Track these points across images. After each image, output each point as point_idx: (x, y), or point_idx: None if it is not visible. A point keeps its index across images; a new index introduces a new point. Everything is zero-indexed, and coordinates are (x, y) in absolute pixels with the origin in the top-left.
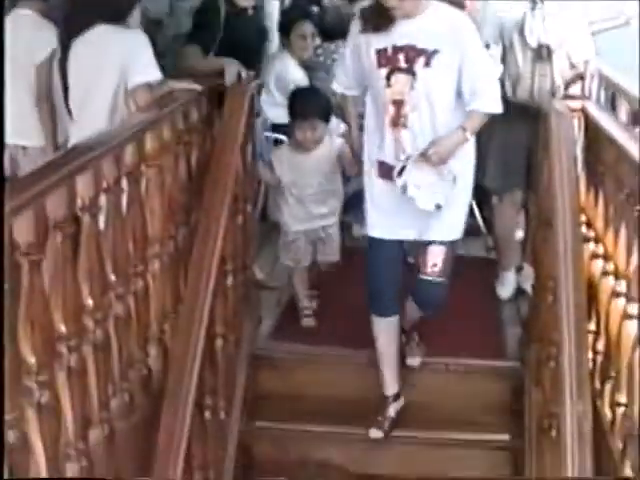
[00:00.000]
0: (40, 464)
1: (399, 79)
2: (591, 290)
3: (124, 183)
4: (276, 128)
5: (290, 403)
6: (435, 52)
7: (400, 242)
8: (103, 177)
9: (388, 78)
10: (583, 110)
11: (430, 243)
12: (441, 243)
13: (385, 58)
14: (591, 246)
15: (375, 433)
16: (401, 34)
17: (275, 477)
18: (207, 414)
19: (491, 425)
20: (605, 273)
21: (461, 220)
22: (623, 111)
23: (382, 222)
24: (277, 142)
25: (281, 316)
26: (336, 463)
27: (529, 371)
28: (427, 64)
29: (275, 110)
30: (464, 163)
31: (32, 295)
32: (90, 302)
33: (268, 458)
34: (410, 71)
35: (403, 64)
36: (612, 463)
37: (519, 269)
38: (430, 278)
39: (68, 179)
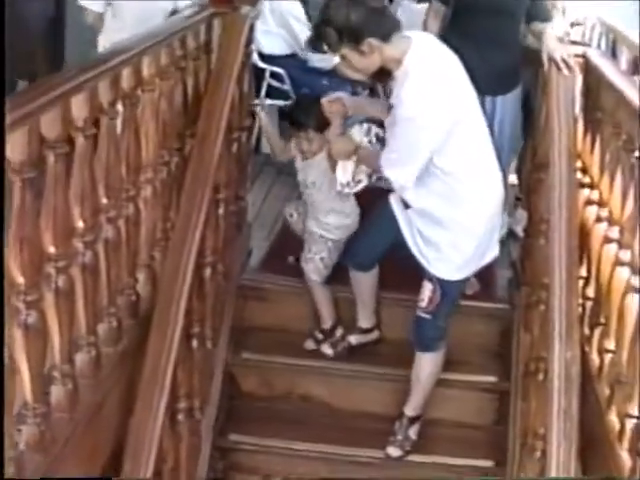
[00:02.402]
0: (25, 385)
1: None
2: (583, 236)
3: (119, 106)
4: (269, 60)
5: (277, 335)
6: None
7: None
8: (98, 99)
9: None
10: (584, 56)
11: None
12: (430, 279)
13: None
14: (586, 192)
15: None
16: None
17: (260, 408)
18: (194, 343)
19: (478, 366)
20: (599, 219)
21: (456, 264)
22: (623, 59)
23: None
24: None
25: (271, 248)
26: (319, 397)
27: (518, 314)
28: None
29: (269, 39)
30: (465, 209)
31: (23, 214)
32: (80, 224)
33: (253, 389)
34: None
35: None
36: (598, 409)
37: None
38: (417, 312)
39: (63, 99)
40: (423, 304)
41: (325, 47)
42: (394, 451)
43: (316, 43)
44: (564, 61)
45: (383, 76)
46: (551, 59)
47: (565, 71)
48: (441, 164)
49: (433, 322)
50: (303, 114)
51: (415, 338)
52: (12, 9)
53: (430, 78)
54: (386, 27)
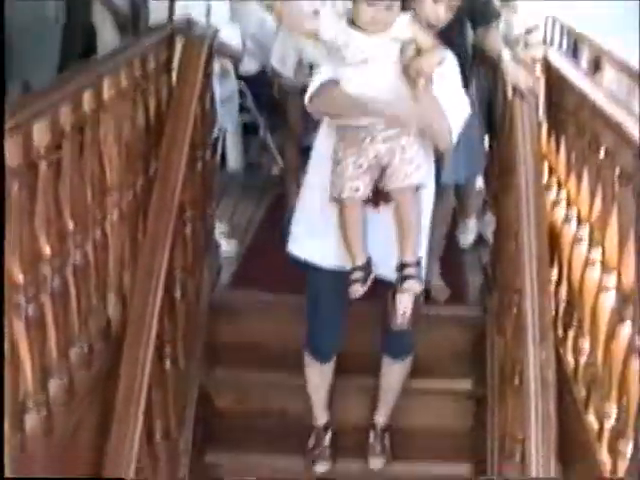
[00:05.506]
0: None
1: None
2: (553, 237)
3: (81, 130)
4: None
5: (250, 352)
6: None
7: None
8: (60, 124)
9: None
10: (545, 58)
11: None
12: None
13: None
14: (554, 193)
15: (321, 467)
16: None
17: (236, 425)
18: (167, 363)
19: (453, 373)
20: (567, 219)
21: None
22: (584, 59)
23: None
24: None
25: (241, 266)
26: (296, 412)
27: (491, 318)
28: None
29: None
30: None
31: None
32: (48, 250)
33: (229, 407)
34: None
35: None
36: (575, 410)
37: (480, 217)
38: (399, 327)
39: (24, 125)
40: (405, 318)
41: None
42: (377, 463)
43: None
44: (529, 89)
45: None
46: (515, 88)
47: (530, 98)
48: None
49: (411, 330)
50: None
51: (396, 349)
52: None
53: None
54: None
